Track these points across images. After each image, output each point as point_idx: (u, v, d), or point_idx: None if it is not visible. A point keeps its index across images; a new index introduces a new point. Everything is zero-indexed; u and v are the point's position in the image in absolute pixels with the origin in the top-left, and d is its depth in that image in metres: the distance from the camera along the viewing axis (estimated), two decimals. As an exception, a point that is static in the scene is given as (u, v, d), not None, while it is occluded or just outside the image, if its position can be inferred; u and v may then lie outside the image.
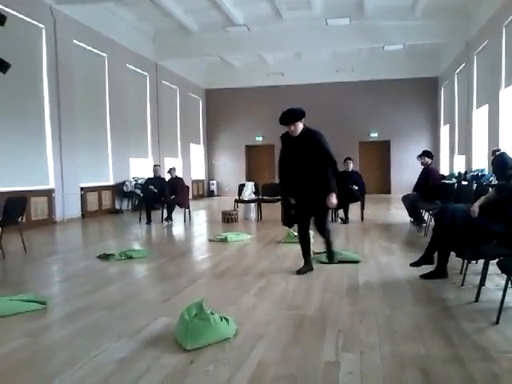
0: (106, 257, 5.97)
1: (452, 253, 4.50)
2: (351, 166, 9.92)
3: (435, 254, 4.69)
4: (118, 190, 13.31)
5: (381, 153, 19.22)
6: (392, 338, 3.01)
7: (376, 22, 13.77)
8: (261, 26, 14.32)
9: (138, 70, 14.94)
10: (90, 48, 12.31)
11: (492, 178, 10.12)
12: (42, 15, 10.38)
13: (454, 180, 12.69)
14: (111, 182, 13.22)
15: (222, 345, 2.90)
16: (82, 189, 11.66)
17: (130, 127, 14.18)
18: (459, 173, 13.60)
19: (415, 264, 4.86)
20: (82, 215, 11.65)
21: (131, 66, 14.49)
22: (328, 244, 5.17)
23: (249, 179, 17.86)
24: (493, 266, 3.79)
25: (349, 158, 9.99)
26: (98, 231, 9.96)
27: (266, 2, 12.97)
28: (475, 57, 13.52)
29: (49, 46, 10.64)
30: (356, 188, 9.66)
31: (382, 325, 3.27)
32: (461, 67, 15.13)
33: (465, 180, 11.80)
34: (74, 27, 11.39)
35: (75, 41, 11.60)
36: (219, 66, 18.84)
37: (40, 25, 10.42)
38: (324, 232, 5.01)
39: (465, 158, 14.61)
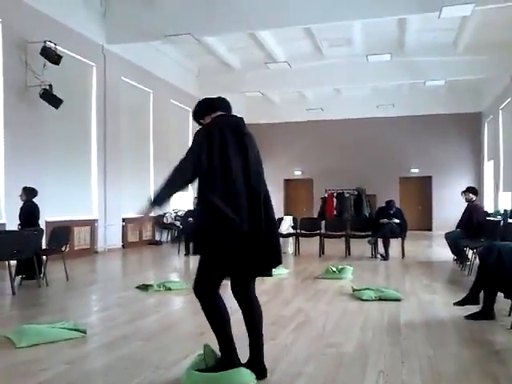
0: (144, 287, 6.03)
1: (500, 293, 4.33)
2: (393, 210, 9.79)
3: (481, 294, 4.51)
4: (158, 221, 13.55)
5: (422, 188, 18.85)
6: (436, 381, 2.87)
7: (417, 58, 13.75)
8: (301, 63, 14.56)
9: (182, 106, 15.40)
10: (136, 84, 12.83)
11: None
12: (94, 54, 10.95)
13: (499, 217, 12.25)
14: (152, 214, 13.44)
15: (259, 382, 2.84)
16: (123, 220, 11.92)
17: (172, 161, 14.48)
18: (505, 210, 13.13)
19: (459, 303, 4.69)
20: (123, 246, 11.88)
21: (175, 102, 14.96)
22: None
23: (287, 213, 17.83)
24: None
25: (391, 202, 9.89)
26: (138, 262, 10.11)
27: (307, 39, 13.20)
28: (521, 92, 13.24)
29: (99, 83, 11.16)
30: (397, 221, 9.48)
31: (425, 366, 3.13)
32: (506, 102, 14.83)
33: (511, 217, 11.38)
34: (122, 65, 11.94)
35: (123, 77, 12.13)
36: (260, 101, 19.17)
37: (91, 63, 10.98)
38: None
39: (511, 194, 14.13)
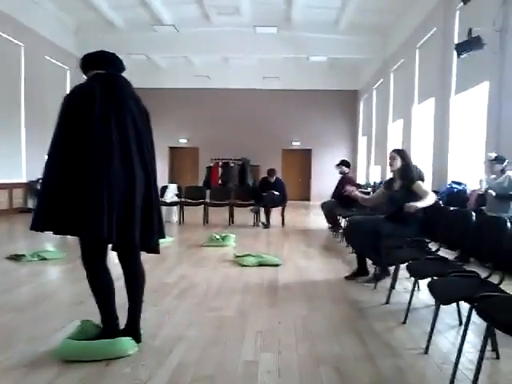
0: (16, 258, 5.62)
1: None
2: (274, 178, 10.16)
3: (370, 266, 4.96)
4: (31, 187, 12.58)
5: (302, 161, 19.76)
6: (308, 338, 3.11)
7: (302, 33, 14.20)
8: (189, 28, 14.24)
9: (58, 63, 14.25)
10: (3, 35, 11.56)
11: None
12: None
13: (369, 189, 13.35)
14: (24, 180, 12.47)
15: (141, 347, 2.84)
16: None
17: (48, 123, 13.40)
18: (374, 182, 14.34)
19: (350, 277, 4.93)
20: (-10, 213, 10.89)
21: (51, 59, 13.78)
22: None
23: (171, 181, 17.63)
24: (403, 271, 4.05)
25: (272, 170, 10.24)
26: (8, 231, 9.36)
27: (195, 3, 12.91)
28: (392, 74, 14.35)
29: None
30: (277, 193, 9.89)
31: (299, 326, 3.37)
32: (379, 83, 15.99)
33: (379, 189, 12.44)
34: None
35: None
36: (145, 65, 18.45)
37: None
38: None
39: (380, 168, 15.42)
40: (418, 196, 4.44)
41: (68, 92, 2.74)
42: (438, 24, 10.14)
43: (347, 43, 14.49)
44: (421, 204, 4.29)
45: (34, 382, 2.39)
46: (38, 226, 2.64)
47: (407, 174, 4.69)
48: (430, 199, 4.40)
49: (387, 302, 3.98)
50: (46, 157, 2.68)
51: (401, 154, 4.87)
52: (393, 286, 4.17)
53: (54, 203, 2.59)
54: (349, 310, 3.81)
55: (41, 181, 2.81)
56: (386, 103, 14.86)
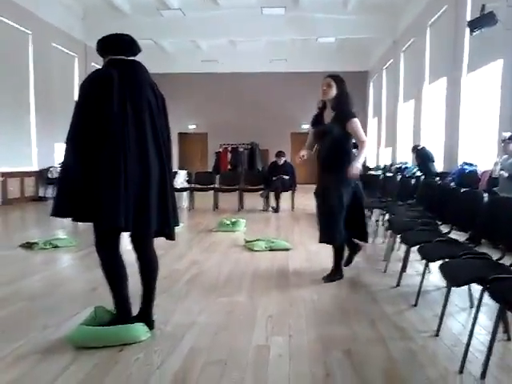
0: (29, 246, 5.69)
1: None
2: (282, 160, 10.14)
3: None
4: (42, 176, 12.68)
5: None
6: (319, 322, 3.12)
7: (310, 14, 13.99)
8: (196, 12, 14.10)
9: (66, 50, 14.23)
10: (12, 23, 11.54)
11: (415, 169, 10.66)
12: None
13: (379, 172, 13.25)
14: (35, 168, 12.56)
15: (153, 333, 2.87)
16: (2, 174, 10.98)
17: (57, 111, 13.46)
18: (385, 165, 14.22)
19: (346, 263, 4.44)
20: (2, 202, 11.00)
21: (58, 46, 13.76)
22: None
23: (181, 167, 17.65)
24: (413, 253, 4.02)
25: (280, 152, 10.20)
26: (21, 219, 9.47)
27: (201, -14, 12.78)
28: (402, 54, 14.14)
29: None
30: (287, 177, 9.87)
31: (310, 309, 3.38)
32: (389, 63, 15.77)
33: (390, 172, 12.35)
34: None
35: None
36: (152, 49, 18.34)
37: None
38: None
39: (391, 150, 15.29)
40: (350, 136, 4.01)
41: (85, 78, 2.73)
42: (450, 1, 9.92)
43: (356, 23, 14.26)
44: (360, 160, 3.91)
45: (49, 367, 2.43)
46: (58, 212, 2.68)
47: (343, 106, 4.03)
48: (365, 149, 3.98)
49: (398, 285, 3.97)
50: (64, 144, 2.69)
51: (338, 80, 4.05)
52: (404, 269, 4.15)
53: (73, 190, 2.61)
54: (359, 294, 3.80)
55: (60, 167, 2.81)
56: (396, 84, 14.67)
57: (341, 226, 4.05)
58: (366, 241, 4.37)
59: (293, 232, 7.01)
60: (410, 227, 4.13)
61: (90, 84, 2.68)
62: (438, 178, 8.52)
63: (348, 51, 18.15)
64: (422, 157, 10.09)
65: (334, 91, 4.02)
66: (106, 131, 2.59)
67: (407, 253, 4.20)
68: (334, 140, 4.01)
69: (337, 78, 4.06)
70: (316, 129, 4.23)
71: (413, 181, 6.88)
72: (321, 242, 4.15)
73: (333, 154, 4.06)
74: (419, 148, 10.42)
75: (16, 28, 11.71)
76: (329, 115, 4.11)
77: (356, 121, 4.00)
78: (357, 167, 3.87)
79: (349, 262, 4.41)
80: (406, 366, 2.49)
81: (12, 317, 3.24)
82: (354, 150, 4.27)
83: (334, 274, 4.19)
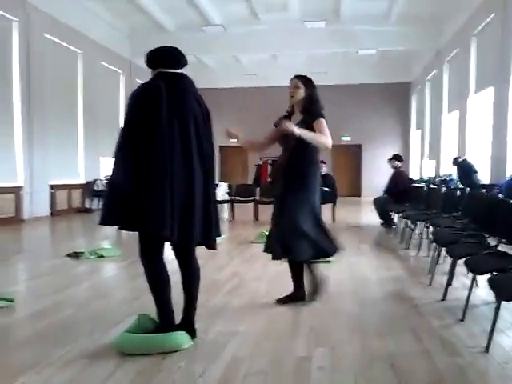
0: (75, 255, 5.86)
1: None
2: (324, 170, 10.07)
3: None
4: (88, 188, 13.10)
5: (353, 156, 19.46)
6: (362, 335, 3.06)
7: (351, 26, 13.95)
8: (237, 27, 14.33)
9: (112, 68, 14.74)
10: (64, 44, 12.09)
11: (458, 182, 10.37)
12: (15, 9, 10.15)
13: (423, 184, 12.95)
14: (82, 181, 13.00)
15: (195, 341, 2.89)
16: (51, 187, 11.42)
17: (102, 126, 13.94)
18: (429, 177, 13.90)
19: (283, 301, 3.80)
20: (51, 214, 11.41)
21: (105, 64, 14.29)
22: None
23: (222, 180, 17.83)
24: (459, 267, 3.90)
25: (322, 162, 10.13)
26: (68, 230, 9.79)
27: (243, 2, 12.96)
28: (446, 64, 13.86)
29: (21, 41, 10.40)
30: (327, 189, 9.79)
31: (352, 321, 3.32)
32: (432, 74, 15.48)
33: (434, 184, 12.06)
34: (47, 21, 11.14)
35: (47, 35, 11.35)
36: (194, 65, 18.76)
37: (13, 17, 10.19)
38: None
39: (434, 162, 14.94)
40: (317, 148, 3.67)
41: (134, 90, 2.80)
42: (497, 9, 9.68)
43: (398, 35, 14.10)
44: (307, 134, 3.45)
45: (96, 372, 2.49)
46: (106, 220, 2.74)
47: (312, 108, 3.69)
48: (323, 140, 3.54)
49: (444, 299, 3.84)
50: (113, 155, 2.77)
51: (305, 81, 3.74)
52: (449, 283, 4.02)
53: (121, 200, 2.68)
54: (403, 307, 3.71)
55: (108, 177, 2.89)
56: (439, 94, 14.37)
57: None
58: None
59: (334, 244, 6.92)
60: (455, 239, 4.01)
61: (139, 96, 2.76)
62: (484, 190, 8.24)
63: (389, 63, 17.96)
64: (464, 169, 9.82)
65: (301, 93, 3.71)
66: (154, 144, 2.66)
67: (453, 265, 4.06)
68: (297, 146, 3.60)
69: (304, 79, 3.75)
70: (277, 122, 3.86)
71: (458, 193, 6.68)
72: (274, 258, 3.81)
73: (295, 163, 3.71)
74: (460, 160, 10.15)
75: (66, 47, 12.26)
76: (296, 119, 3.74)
77: (323, 121, 3.63)
78: (293, 128, 3.40)
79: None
80: (454, 382, 2.41)
81: (60, 323, 3.34)
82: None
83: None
